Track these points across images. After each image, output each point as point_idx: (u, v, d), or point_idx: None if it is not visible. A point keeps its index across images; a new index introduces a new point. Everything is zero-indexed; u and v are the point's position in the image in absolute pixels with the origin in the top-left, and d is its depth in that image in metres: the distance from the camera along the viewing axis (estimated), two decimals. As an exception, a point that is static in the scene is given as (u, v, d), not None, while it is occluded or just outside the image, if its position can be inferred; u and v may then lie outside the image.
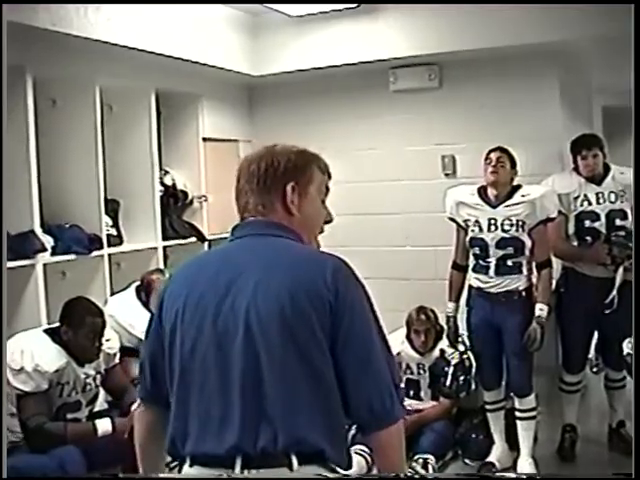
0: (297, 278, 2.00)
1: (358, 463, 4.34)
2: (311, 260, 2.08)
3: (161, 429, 2.13)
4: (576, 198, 4.81)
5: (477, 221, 4.63)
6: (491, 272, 4.59)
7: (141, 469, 2.24)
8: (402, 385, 4.16)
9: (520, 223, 4.54)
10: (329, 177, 2.25)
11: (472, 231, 4.65)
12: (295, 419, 1.94)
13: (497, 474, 4.52)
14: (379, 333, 2.05)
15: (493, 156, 4.65)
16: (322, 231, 2.25)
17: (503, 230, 4.56)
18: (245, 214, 2.16)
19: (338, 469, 2.02)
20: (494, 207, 4.60)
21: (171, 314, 2.09)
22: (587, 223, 4.79)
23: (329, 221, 2.24)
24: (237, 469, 1.92)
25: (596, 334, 4.95)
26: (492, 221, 4.58)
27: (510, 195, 4.60)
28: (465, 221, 4.69)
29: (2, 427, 3.07)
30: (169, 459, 2.16)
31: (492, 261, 4.59)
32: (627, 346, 4.46)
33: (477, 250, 4.65)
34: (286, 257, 2.07)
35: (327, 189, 2.24)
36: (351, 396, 2.00)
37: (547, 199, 4.61)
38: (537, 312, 4.51)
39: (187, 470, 2.00)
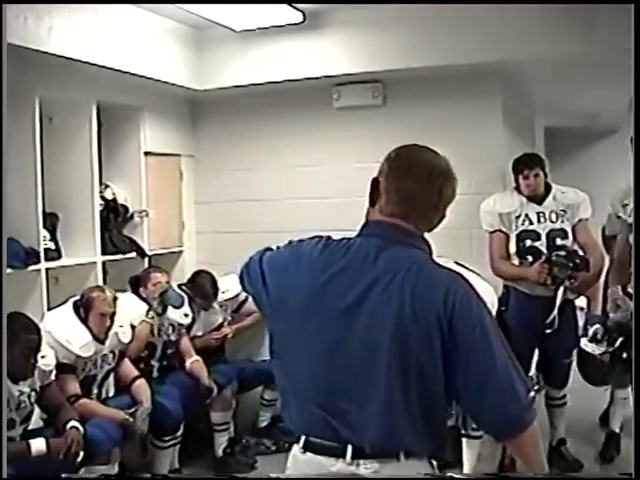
0: (424, 294, 2.02)
1: None
2: (439, 278, 2.09)
3: None
4: (517, 217, 4.86)
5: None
6: None
7: None
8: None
9: None
10: None
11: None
12: (397, 423, 2.03)
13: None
14: (501, 343, 2.10)
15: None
16: None
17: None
18: (392, 216, 2.15)
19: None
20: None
21: (284, 293, 2.16)
22: (528, 242, 4.84)
23: None
24: (348, 458, 2.03)
25: (537, 352, 4.98)
26: None
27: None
28: None
29: (2, 427, 2.97)
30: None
31: None
32: None
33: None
34: (418, 271, 2.07)
35: None
36: (478, 408, 2.07)
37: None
38: None
39: (298, 455, 2.13)
